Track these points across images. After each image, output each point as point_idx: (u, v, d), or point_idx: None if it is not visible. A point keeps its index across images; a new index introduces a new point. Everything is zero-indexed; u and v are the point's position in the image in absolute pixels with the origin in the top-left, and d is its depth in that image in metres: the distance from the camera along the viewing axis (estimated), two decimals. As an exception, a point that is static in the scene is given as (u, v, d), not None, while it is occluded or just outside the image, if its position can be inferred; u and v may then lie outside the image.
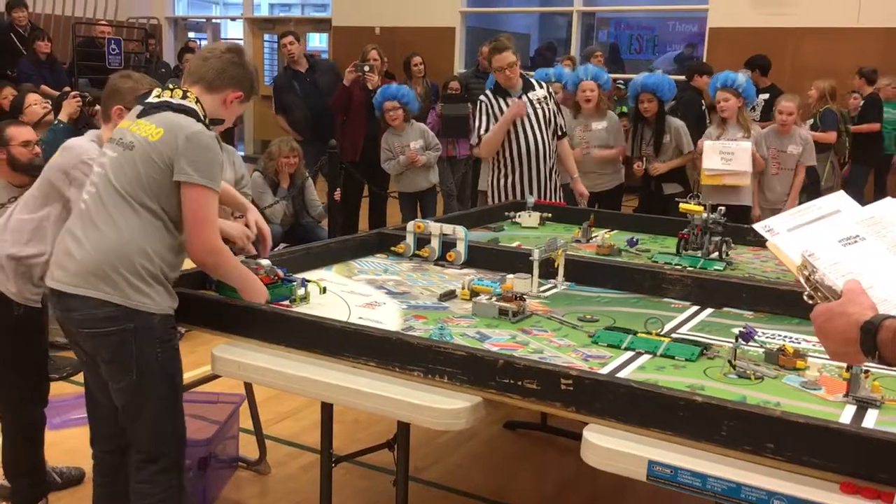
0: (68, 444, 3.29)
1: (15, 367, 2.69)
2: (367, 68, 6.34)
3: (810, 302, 1.26)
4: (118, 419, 2.23)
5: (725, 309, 2.59)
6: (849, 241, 1.27)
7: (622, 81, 8.66)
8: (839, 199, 1.38)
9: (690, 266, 3.08)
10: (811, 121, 6.81)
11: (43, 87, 7.71)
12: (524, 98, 4.49)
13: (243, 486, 3.11)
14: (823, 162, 6.89)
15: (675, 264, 3.10)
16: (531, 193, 4.42)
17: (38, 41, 8.17)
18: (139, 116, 2.20)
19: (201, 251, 2.18)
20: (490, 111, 4.49)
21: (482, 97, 4.59)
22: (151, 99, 2.23)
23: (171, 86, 2.24)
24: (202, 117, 2.21)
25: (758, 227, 1.39)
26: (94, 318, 2.09)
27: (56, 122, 4.91)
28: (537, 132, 4.49)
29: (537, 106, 4.50)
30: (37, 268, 2.62)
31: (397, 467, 2.16)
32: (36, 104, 4.92)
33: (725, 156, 5.06)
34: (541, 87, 4.63)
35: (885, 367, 1.17)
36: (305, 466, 3.20)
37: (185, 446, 2.27)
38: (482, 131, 4.51)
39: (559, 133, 4.66)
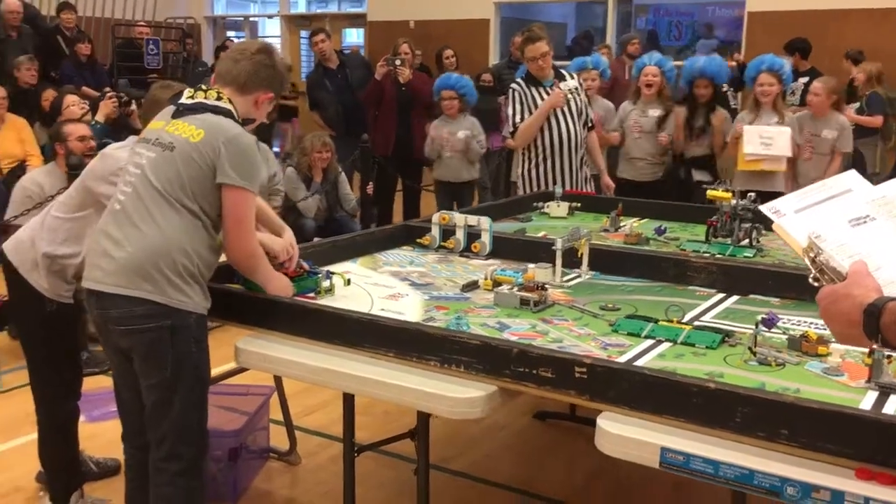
0: (107, 435, 3.37)
1: (48, 362, 2.76)
2: (398, 62, 6.37)
3: (815, 284, 1.24)
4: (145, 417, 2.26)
5: (752, 296, 2.56)
6: (858, 221, 1.24)
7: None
8: (850, 179, 1.35)
9: (719, 253, 3.05)
10: (857, 105, 6.65)
11: (84, 88, 7.89)
12: (554, 89, 4.48)
13: (274, 477, 3.16)
14: (872, 147, 6.74)
15: (704, 252, 3.07)
16: (562, 183, 4.42)
17: (78, 43, 8.34)
18: (174, 117, 2.22)
19: (241, 253, 2.22)
20: (524, 99, 4.49)
21: (513, 85, 4.59)
22: (184, 100, 2.25)
23: (203, 87, 2.26)
24: (236, 118, 2.23)
25: (764, 208, 1.37)
26: (132, 316, 2.11)
27: (93, 122, 5.03)
28: (569, 122, 4.50)
29: (569, 96, 4.51)
30: (70, 267, 2.69)
31: (418, 457, 2.18)
32: (74, 105, 5.04)
33: (765, 140, 4.99)
34: (571, 77, 4.63)
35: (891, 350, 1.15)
36: (335, 457, 3.23)
37: (206, 447, 2.29)
38: (517, 120, 4.51)
39: (588, 125, 4.66)
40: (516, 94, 4.52)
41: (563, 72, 4.67)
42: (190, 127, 2.17)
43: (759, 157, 4.98)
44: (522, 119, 4.50)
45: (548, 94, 4.48)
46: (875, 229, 1.24)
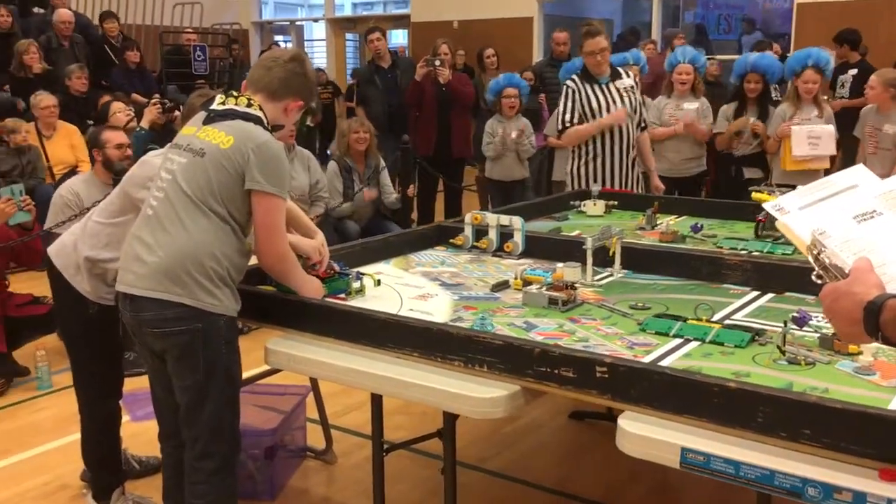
0: (149, 434, 3.42)
1: (91, 362, 2.83)
2: (437, 63, 6.38)
3: (819, 282, 1.22)
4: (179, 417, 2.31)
5: (788, 294, 2.52)
6: (864, 216, 1.22)
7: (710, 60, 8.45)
8: (857, 174, 1.32)
9: (758, 251, 3.00)
10: None
11: (134, 95, 8.09)
12: (612, 87, 4.45)
13: (310, 475, 3.20)
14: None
15: (741, 249, 3.02)
16: (612, 182, 4.40)
17: (127, 51, 8.55)
18: (205, 123, 2.26)
19: (272, 258, 2.26)
20: (576, 97, 4.46)
21: (569, 82, 4.54)
22: (216, 106, 2.28)
23: (234, 94, 2.29)
24: (266, 125, 2.26)
25: (768, 206, 1.35)
26: (163, 319, 2.15)
27: (139, 128, 5.15)
28: (623, 122, 4.44)
29: (624, 95, 4.46)
30: (111, 271, 2.75)
31: (445, 456, 2.19)
32: (120, 112, 5.17)
33: (813, 141, 4.93)
34: (628, 76, 4.58)
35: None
36: (370, 456, 3.24)
37: (239, 447, 2.33)
38: (567, 118, 4.49)
39: (642, 125, 4.61)
40: (570, 92, 4.49)
41: (621, 70, 4.60)
42: (220, 133, 2.20)
43: (805, 159, 4.92)
44: (572, 118, 4.47)
45: (603, 92, 4.44)
46: (882, 224, 1.22)
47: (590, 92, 4.45)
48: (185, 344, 2.17)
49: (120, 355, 2.97)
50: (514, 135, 6.01)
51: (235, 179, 2.17)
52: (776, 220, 1.31)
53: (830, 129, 4.92)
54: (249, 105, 2.25)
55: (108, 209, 2.79)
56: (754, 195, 3.34)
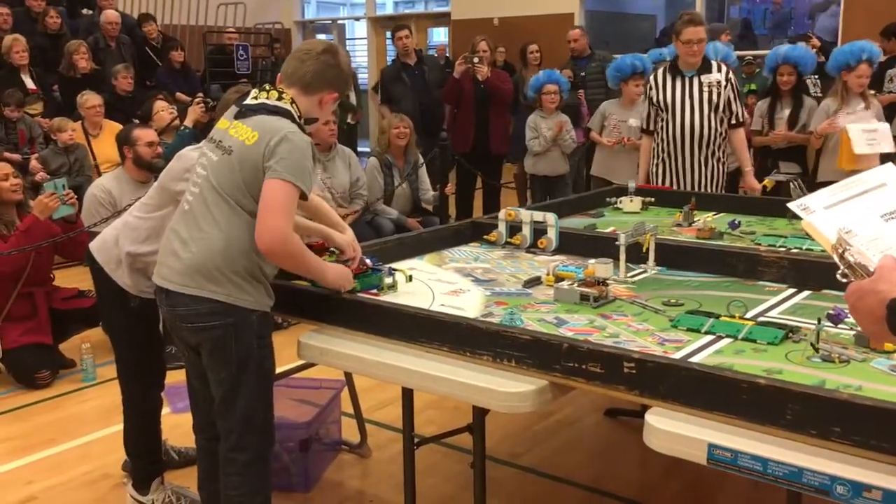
0: (188, 426, 3.48)
1: (134, 355, 2.89)
2: (476, 60, 6.38)
3: (844, 280, 1.21)
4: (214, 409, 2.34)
5: (825, 291, 2.48)
6: (892, 215, 1.20)
7: (751, 57, 8.32)
8: (887, 172, 1.30)
9: (796, 247, 2.95)
10: None
11: (178, 94, 8.23)
12: (697, 80, 4.31)
13: (345, 468, 3.23)
14: None
15: (779, 246, 2.98)
16: (681, 178, 4.35)
17: (172, 51, 8.70)
18: (236, 118, 2.26)
19: (269, 237, 2.09)
20: (651, 94, 4.40)
21: (651, 77, 4.47)
22: (249, 101, 2.30)
23: (266, 87, 2.31)
24: (297, 118, 2.25)
25: (792, 205, 1.33)
26: (197, 313, 2.19)
27: (183, 127, 5.24)
28: (697, 115, 4.31)
29: (706, 89, 4.32)
30: (151, 265, 2.79)
31: (474, 450, 2.20)
32: (163, 110, 5.26)
33: (870, 139, 4.82)
34: (719, 71, 4.39)
35: None
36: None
37: (272, 440, 2.35)
38: (643, 120, 4.49)
39: (733, 121, 4.39)
40: (647, 90, 4.43)
41: (713, 62, 4.44)
42: (247, 129, 2.20)
43: (867, 156, 4.81)
44: (649, 120, 4.46)
45: (683, 85, 4.32)
46: None
47: (669, 84, 4.35)
48: (217, 338, 2.20)
49: (162, 348, 3.02)
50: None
51: (260, 175, 2.17)
52: (801, 219, 1.29)
53: (885, 126, 4.80)
54: (280, 98, 2.25)
55: (148, 204, 2.83)
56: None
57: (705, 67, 4.37)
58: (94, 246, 2.90)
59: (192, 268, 2.18)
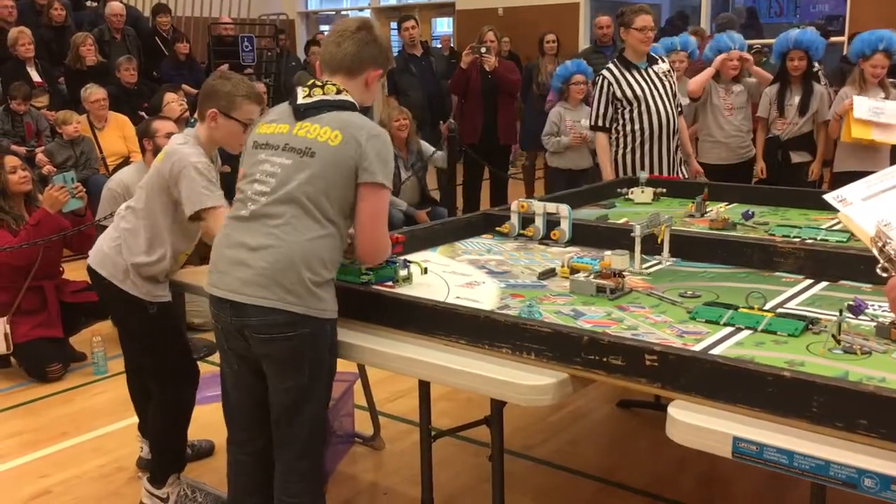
0: (202, 419, 3.50)
1: (164, 358, 2.85)
2: (483, 50, 6.36)
3: (884, 275, 1.19)
4: (258, 421, 2.23)
5: (842, 282, 2.46)
6: None
7: (759, 46, 8.28)
8: None
9: (811, 238, 2.94)
10: None
11: (184, 85, 8.21)
12: (650, 72, 4.38)
13: (359, 461, 3.23)
14: None
15: (794, 236, 2.96)
16: (659, 169, 4.35)
17: (178, 43, 8.68)
18: (298, 118, 2.16)
19: (376, 250, 2.22)
20: (611, 90, 4.38)
21: (604, 72, 4.45)
22: (302, 100, 2.18)
23: (319, 83, 2.19)
24: (358, 110, 2.20)
25: (828, 197, 1.32)
26: (273, 325, 2.08)
27: (192, 119, 5.21)
28: (663, 106, 4.39)
29: (664, 79, 4.41)
30: (160, 272, 2.75)
31: (492, 443, 2.19)
32: (173, 102, 5.23)
33: (876, 110, 4.77)
34: (663, 61, 4.54)
35: None
36: (417, 443, 3.26)
37: (325, 449, 2.30)
38: (599, 117, 4.44)
39: (678, 109, 4.55)
40: (605, 85, 4.39)
41: (655, 55, 4.55)
42: (324, 129, 2.12)
43: (868, 122, 4.75)
44: (605, 114, 4.41)
45: (642, 77, 4.38)
46: None
47: (630, 78, 4.37)
48: (292, 349, 2.10)
49: (188, 344, 2.96)
50: (584, 122, 5.83)
51: (348, 176, 2.10)
52: (838, 211, 1.28)
53: (893, 104, 4.76)
54: (339, 92, 2.18)
55: (139, 209, 2.72)
56: None
57: (652, 60, 4.46)
58: (93, 261, 2.80)
59: (265, 277, 2.07)
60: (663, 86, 4.41)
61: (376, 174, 2.11)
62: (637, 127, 4.38)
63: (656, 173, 4.35)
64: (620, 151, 4.48)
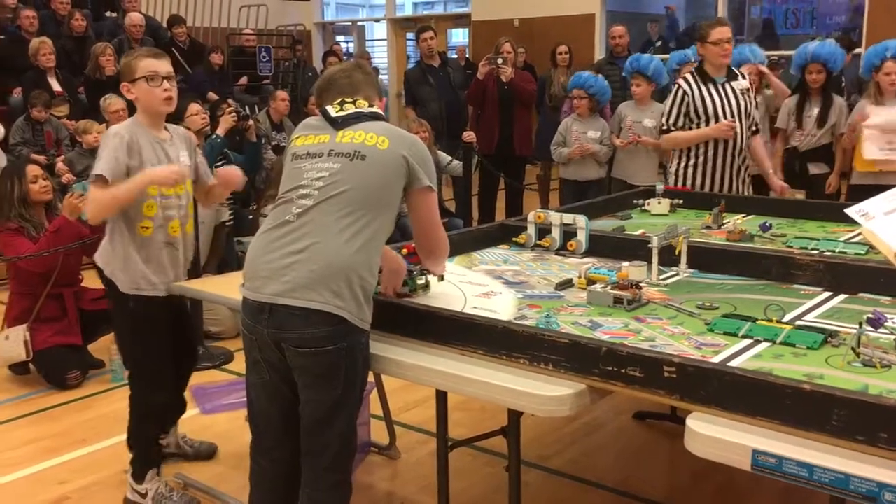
0: (218, 427, 3.54)
1: (133, 353, 2.91)
2: (500, 61, 6.37)
3: None
4: (284, 430, 2.24)
5: (861, 295, 2.45)
6: None
7: (777, 57, 8.27)
8: None
9: (829, 250, 2.93)
10: None
11: (210, 93, 8.28)
12: (728, 87, 4.29)
13: (374, 470, 3.24)
14: None
15: (812, 249, 2.96)
16: (720, 186, 4.30)
17: (212, 53, 8.87)
18: (338, 128, 2.22)
19: (442, 250, 2.41)
20: (686, 100, 4.30)
21: (681, 81, 4.38)
22: (336, 114, 2.24)
23: (348, 99, 2.28)
24: None
25: (850, 211, 1.32)
26: (313, 338, 2.07)
27: (214, 136, 5.24)
28: (737, 126, 4.26)
29: (740, 97, 4.30)
30: (141, 264, 2.81)
31: (509, 454, 2.19)
32: (196, 114, 5.25)
33: (891, 141, 4.74)
34: (743, 77, 4.41)
35: None
36: (433, 452, 3.23)
37: (353, 461, 2.31)
38: (671, 121, 4.37)
39: (753, 128, 4.43)
40: (680, 94, 4.32)
41: (737, 71, 4.44)
42: (369, 134, 2.18)
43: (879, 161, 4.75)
44: (675, 121, 4.34)
45: (719, 93, 4.27)
46: None
47: (704, 92, 4.27)
48: (331, 363, 2.10)
49: (169, 351, 2.92)
50: (590, 135, 5.86)
51: (397, 180, 2.17)
52: (858, 224, 1.28)
53: None
54: (371, 106, 2.30)
55: None
56: None
57: (731, 74, 4.35)
58: (96, 255, 2.91)
59: (316, 281, 2.06)
60: (738, 103, 4.28)
61: (423, 179, 2.23)
62: (699, 143, 4.31)
63: (716, 190, 4.29)
64: (682, 163, 4.41)
